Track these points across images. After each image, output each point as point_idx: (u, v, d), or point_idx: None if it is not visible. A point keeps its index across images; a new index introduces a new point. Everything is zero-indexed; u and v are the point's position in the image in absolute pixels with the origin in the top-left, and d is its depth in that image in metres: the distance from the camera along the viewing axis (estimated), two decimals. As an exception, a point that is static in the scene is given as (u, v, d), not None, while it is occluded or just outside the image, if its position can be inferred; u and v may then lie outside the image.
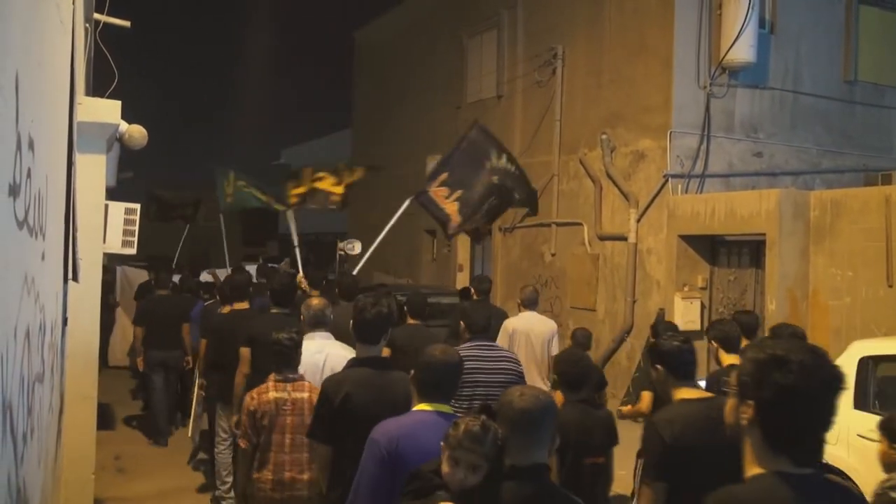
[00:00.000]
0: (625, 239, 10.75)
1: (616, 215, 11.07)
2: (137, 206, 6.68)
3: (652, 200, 10.43)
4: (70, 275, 4.08)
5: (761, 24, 10.37)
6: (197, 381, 7.70)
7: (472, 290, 8.04)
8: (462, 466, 2.49)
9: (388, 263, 17.37)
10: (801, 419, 1.90)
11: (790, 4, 10.90)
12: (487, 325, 5.16)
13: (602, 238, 11.30)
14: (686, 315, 9.56)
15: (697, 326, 9.57)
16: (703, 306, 9.75)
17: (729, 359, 4.86)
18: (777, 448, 1.91)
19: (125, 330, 10.80)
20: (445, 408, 3.10)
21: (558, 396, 5.00)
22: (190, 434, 8.00)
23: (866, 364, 6.00)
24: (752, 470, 1.95)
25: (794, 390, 1.87)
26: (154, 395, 8.76)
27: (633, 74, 10.87)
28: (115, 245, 6.49)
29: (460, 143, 7.74)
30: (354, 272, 8.33)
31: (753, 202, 8.93)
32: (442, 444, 2.56)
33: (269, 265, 12.32)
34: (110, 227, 6.32)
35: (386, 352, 4.59)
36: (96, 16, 6.60)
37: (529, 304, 7.24)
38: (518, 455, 2.47)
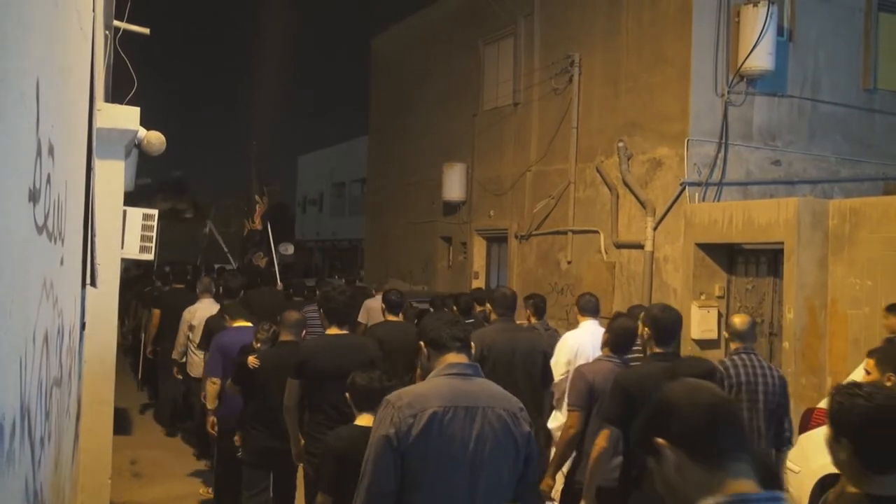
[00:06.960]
0: (641, 247, 10.70)
1: (632, 223, 11.02)
2: (155, 212, 6.73)
3: (669, 208, 10.37)
4: (88, 280, 4.10)
5: (779, 31, 10.29)
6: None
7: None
8: (260, 340, 5.69)
9: (403, 270, 17.40)
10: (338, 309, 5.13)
11: (809, 12, 10.82)
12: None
13: (618, 246, 11.25)
14: (703, 324, 9.50)
15: (715, 335, 9.50)
16: (720, 315, 9.68)
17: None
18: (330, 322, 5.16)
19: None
20: (247, 323, 6.39)
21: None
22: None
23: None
24: None
25: (335, 307, 5.18)
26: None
27: (650, 82, 10.82)
28: (133, 251, 6.53)
29: None
30: None
31: (771, 211, 8.87)
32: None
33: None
34: (128, 232, 6.37)
35: None
36: (116, 23, 6.65)
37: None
38: (285, 337, 5.56)
